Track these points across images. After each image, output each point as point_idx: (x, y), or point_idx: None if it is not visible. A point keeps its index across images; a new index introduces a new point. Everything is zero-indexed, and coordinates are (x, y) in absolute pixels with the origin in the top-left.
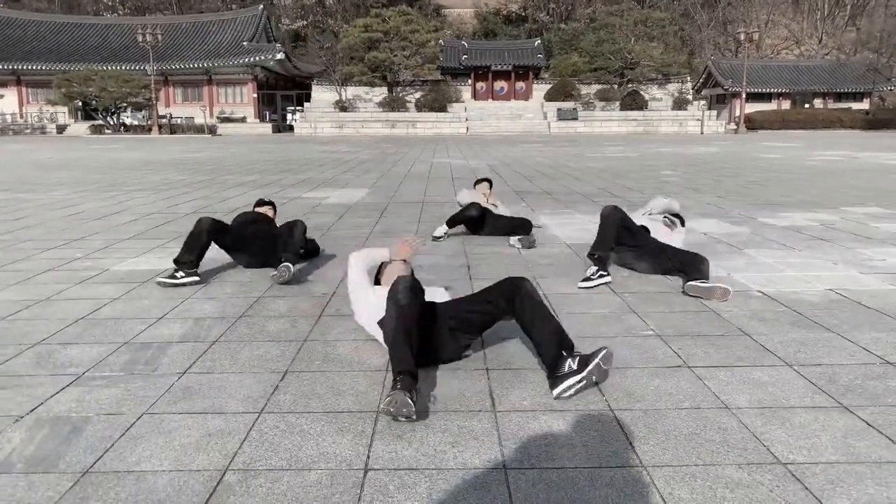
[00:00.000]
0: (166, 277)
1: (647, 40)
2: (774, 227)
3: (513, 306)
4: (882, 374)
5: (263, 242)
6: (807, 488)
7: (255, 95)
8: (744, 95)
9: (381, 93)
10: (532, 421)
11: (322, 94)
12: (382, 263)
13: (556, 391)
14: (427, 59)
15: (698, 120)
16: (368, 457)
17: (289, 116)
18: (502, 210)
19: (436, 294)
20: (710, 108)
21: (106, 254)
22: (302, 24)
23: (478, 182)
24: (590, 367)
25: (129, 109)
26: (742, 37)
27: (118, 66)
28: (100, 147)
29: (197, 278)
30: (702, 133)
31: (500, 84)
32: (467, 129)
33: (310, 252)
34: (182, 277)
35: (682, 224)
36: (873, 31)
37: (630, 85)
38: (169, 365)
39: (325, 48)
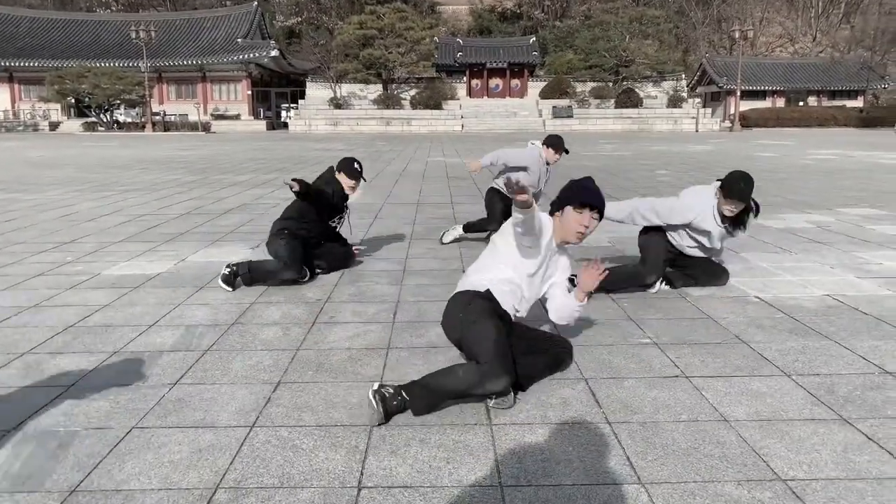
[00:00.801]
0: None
1: (642, 38)
2: (770, 229)
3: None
4: (881, 384)
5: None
6: None
7: (250, 92)
8: (738, 93)
9: (375, 90)
10: (528, 434)
11: (316, 92)
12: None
13: None
14: (422, 56)
15: (693, 118)
16: (362, 473)
17: (283, 114)
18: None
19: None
20: (704, 106)
21: (97, 257)
22: (296, 21)
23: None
24: None
25: (122, 107)
26: (737, 35)
27: (111, 63)
28: (93, 144)
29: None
30: (696, 131)
31: (496, 81)
32: (462, 126)
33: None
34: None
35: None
36: (867, 29)
37: (625, 83)
38: (160, 375)
39: (319, 45)
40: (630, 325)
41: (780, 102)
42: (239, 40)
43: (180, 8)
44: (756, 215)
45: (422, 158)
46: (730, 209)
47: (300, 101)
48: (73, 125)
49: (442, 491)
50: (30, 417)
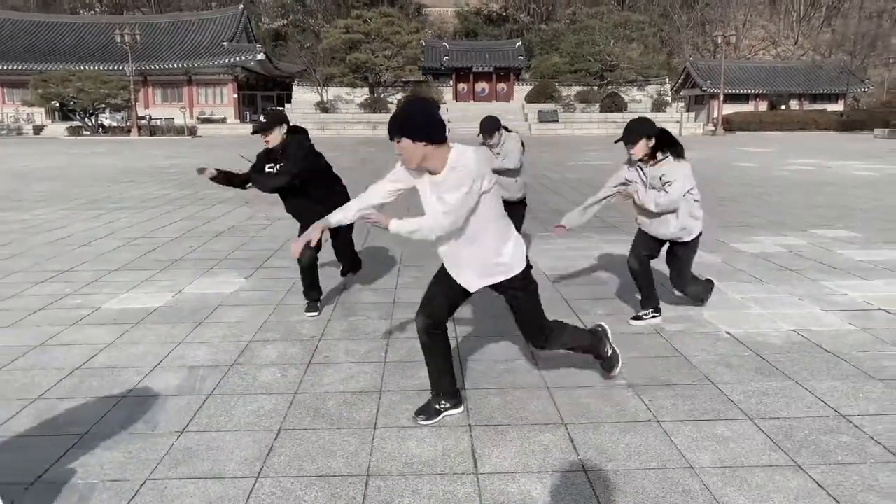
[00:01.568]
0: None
1: (627, 42)
2: (745, 254)
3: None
4: (835, 427)
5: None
6: None
7: (236, 96)
8: (721, 97)
9: (362, 94)
10: (512, 484)
11: (303, 95)
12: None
13: None
14: (409, 60)
15: (677, 122)
16: None
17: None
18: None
19: None
20: (688, 110)
21: (96, 288)
22: (282, 23)
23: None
24: None
25: (107, 110)
26: (720, 40)
27: (96, 67)
28: (78, 151)
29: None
30: (680, 134)
31: (482, 85)
32: (449, 130)
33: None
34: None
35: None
36: (847, 33)
37: (610, 87)
38: (167, 423)
39: (305, 48)
40: None
41: (763, 106)
42: (225, 43)
43: (165, 10)
44: (669, 148)
45: None
46: (629, 153)
47: (287, 105)
48: (58, 129)
49: None
50: (47, 470)
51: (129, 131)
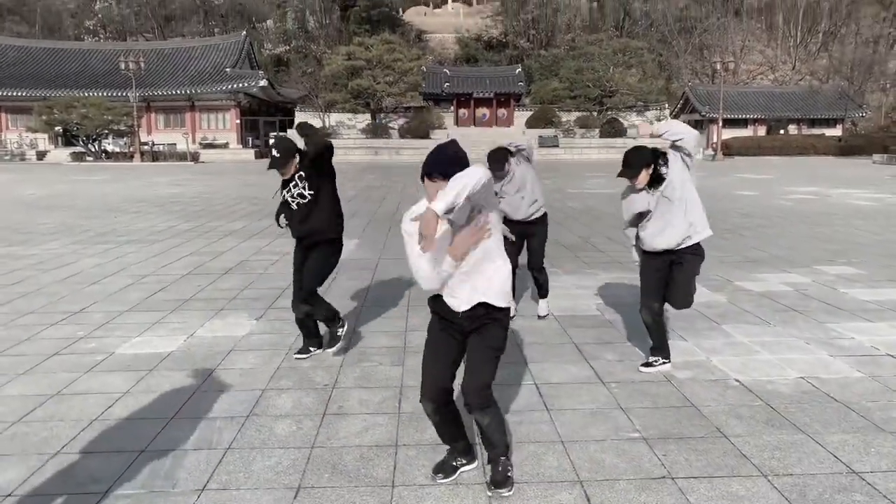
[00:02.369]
0: (301, 353)
1: (626, 68)
2: (751, 293)
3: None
4: (848, 485)
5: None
6: None
7: (238, 121)
8: (720, 122)
9: (364, 119)
10: None
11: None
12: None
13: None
14: (410, 86)
15: None
16: None
17: (271, 142)
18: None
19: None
20: None
21: (108, 331)
22: (285, 50)
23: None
24: None
25: (110, 136)
26: (718, 65)
27: (100, 93)
28: (82, 178)
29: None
30: None
31: (483, 111)
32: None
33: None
34: (314, 351)
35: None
36: (844, 58)
37: (609, 112)
38: (186, 480)
39: (307, 74)
40: (620, 416)
41: (762, 130)
42: (228, 70)
43: (169, 36)
44: (661, 165)
45: (413, 195)
46: (631, 183)
47: (289, 131)
48: (61, 155)
49: None
50: None
51: (131, 157)
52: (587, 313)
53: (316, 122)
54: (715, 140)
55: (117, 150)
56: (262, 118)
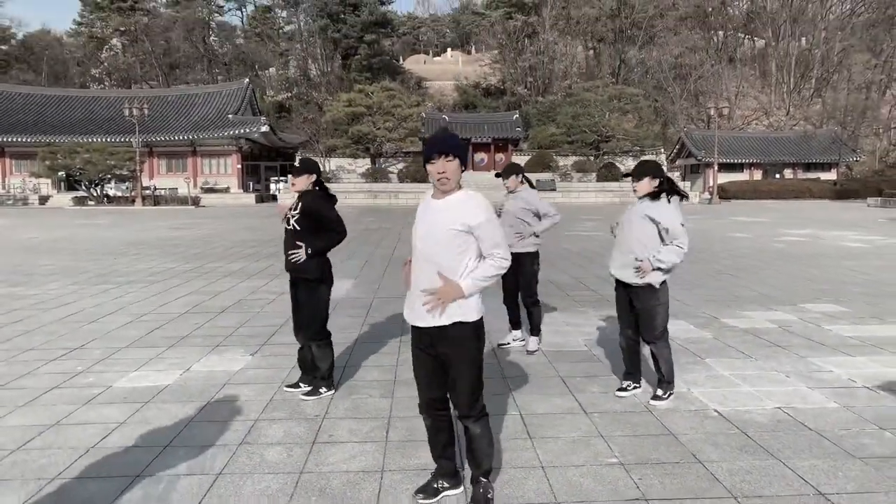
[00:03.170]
0: (292, 387)
1: (622, 114)
2: (735, 329)
3: None
4: None
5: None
6: None
7: (240, 166)
8: (716, 167)
9: (364, 164)
10: None
11: None
12: None
13: None
14: (409, 132)
15: None
16: None
17: (272, 186)
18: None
19: None
20: (684, 179)
21: (106, 366)
22: (286, 96)
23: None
24: None
25: (112, 181)
26: (713, 111)
27: (104, 139)
28: (84, 223)
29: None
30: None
31: (480, 156)
32: None
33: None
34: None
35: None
36: (837, 104)
37: (606, 157)
38: (179, 502)
39: (308, 120)
40: (600, 443)
41: (758, 174)
42: (230, 116)
43: (173, 84)
44: (671, 190)
45: (409, 239)
46: (634, 189)
47: (290, 175)
48: (63, 199)
49: None
50: None
51: (133, 201)
52: (575, 348)
53: None
54: (711, 184)
55: (119, 194)
56: (263, 163)
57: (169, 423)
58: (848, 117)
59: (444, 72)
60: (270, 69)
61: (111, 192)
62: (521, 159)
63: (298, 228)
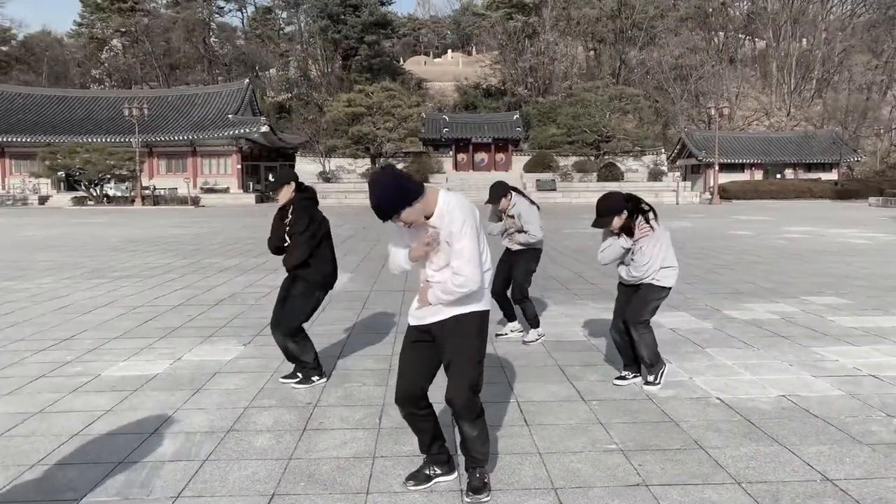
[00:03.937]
0: (300, 384)
1: (622, 114)
2: (737, 320)
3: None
4: (821, 491)
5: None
6: None
7: (239, 166)
8: (717, 167)
9: (364, 164)
10: None
11: (306, 166)
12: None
13: None
14: (409, 132)
15: (674, 191)
16: None
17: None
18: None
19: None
20: (684, 179)
21: (97, 356)
22: (286, 97)
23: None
24: None
25: (112, 181)
26: (713, 112)
27: (103, 139)
28: (82, 221)
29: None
30: (677, 203)
31: (481, 156)
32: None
33: None
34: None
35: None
36: (838, 105)
37: (606, 157)
38: (163, 488)
39: (308, 120)
40: (599, 430)
41: (759, 175)
42: (230, 116)
43: (173, 85)
44: (637, 215)
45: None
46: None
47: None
48: (63, 199)
49: None
50: None
51: (132, 201)
52: (573, 339)
53: (316, 167)
54: (712, 184)
55: (119, 194)
56: (263, 163)
57: (156, 412)
58: (849, 118)
59: (445, 73)
60: (271, 70)
61: (111, 192)
62: (521, 159)
63: (288, 233)
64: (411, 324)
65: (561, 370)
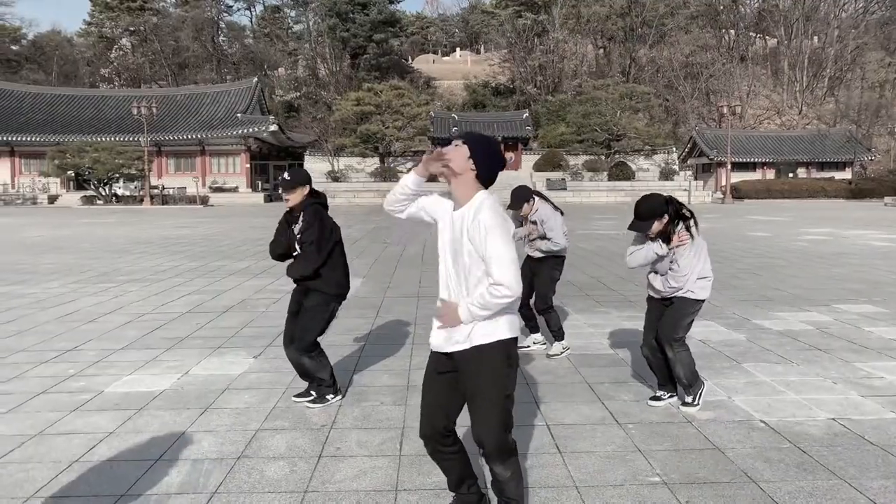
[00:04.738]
0: (313, 403)
1: (633, 112)
2: (770, 331)
3: None
4: None
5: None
6: None
7: (248, 165)
8: (729, 166)
9: (373, 163)
10: None
11: (315, 165)
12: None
13: None
14: (418, 131)
15: (685, 190)
16: None
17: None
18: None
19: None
20: (696, 178)
21: (100, 369)
22: (295, 96)
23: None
24: None
25: (121, 180)
26: (725, 109)
27: (112, 138)
28: (90, 221)
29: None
30: (689, 202)
31: None
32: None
33: None
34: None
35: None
36: (851, 103)
37: (617, 156)
38: None
39: (317, 119)
40: (639, 459)
41: (771, 174)
42: (239, 115)
43: (182, 84)
44: (677, 221)
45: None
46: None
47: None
48: (72, 198)
49: None
50: None
51: (141, 200)
52: (599, 352)
53: (325, 166)
54: (724, 183)
55: (127, 193)
56: (272, 162)
57: (162, 434)
58: (862, 116)
59: (453, 71)
60: (279, 69)
61: (120, 192)
62: (531, 158)
63: (299, 239)
64: (432, 348)
65: (590, 388)
